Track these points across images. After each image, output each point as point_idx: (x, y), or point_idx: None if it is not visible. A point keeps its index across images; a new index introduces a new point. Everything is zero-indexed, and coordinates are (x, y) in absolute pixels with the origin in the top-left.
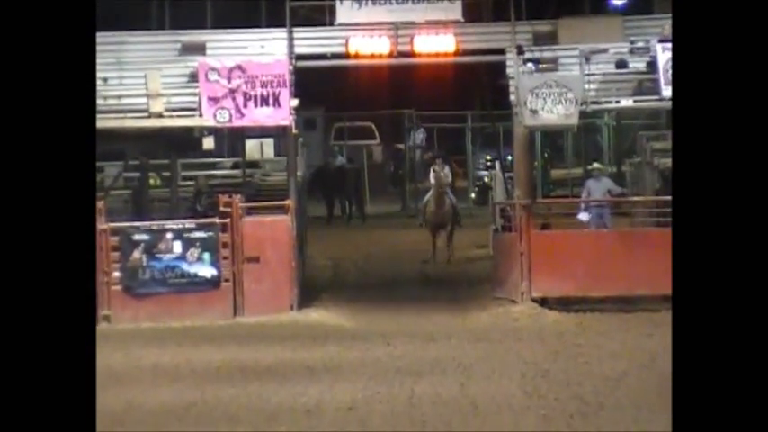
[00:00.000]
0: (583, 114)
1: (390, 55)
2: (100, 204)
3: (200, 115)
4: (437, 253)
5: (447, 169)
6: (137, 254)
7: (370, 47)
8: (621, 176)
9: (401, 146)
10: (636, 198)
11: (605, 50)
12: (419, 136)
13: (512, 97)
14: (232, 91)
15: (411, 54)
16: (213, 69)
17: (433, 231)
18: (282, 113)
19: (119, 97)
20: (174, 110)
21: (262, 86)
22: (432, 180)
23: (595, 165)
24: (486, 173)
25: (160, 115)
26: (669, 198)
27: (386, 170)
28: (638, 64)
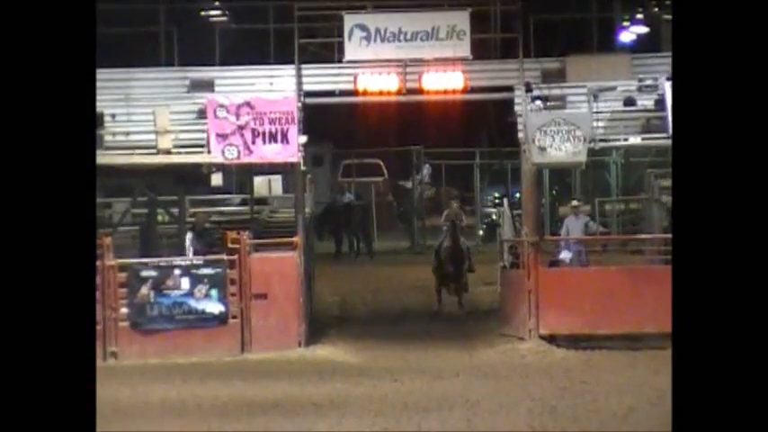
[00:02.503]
0: (591, 152)
1: (399, 92)
2: (107, 240)
3: (209, 152)
4: (443, 303)
5: (461, 213)
6: (144, 290)
7: (379, 84)
8: (631, 213)
9: (407, 183)
10: (643, 236)
11: (613, 88)
12: (424, 172)
13: (520, 134)
14: (240, 127)
15: (419, 91)
16: (222, 106)
17: (443, 279)
18: (291, 150)
19: (127, 133)
20: (182, 146)
21: (270, 123)
22: (444, 226)
23: (573, 203)
24: (494, 210)
25: (168, 152)
26: None
27: (393, 207)
28: (646, 102)
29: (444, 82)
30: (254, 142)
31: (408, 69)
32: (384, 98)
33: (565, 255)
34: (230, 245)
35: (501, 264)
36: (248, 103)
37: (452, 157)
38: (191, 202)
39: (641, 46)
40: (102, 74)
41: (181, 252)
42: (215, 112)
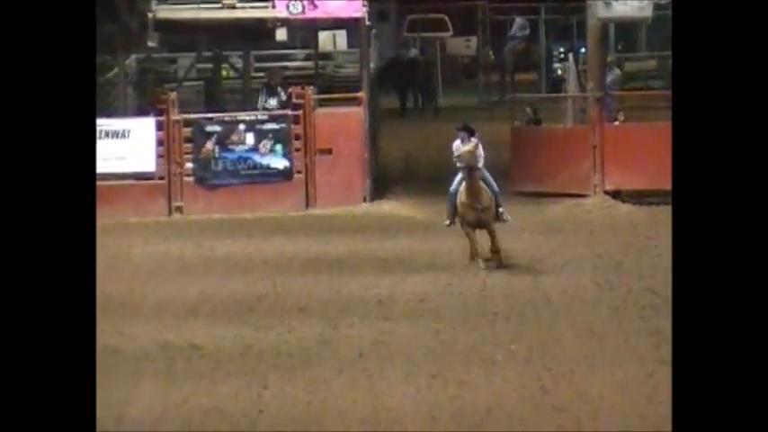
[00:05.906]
0: (657, 6)
1: None
2: (172, 95)
3: (274, 6)
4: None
5: (479, 146)
6: (209, 145)
7: None
8: None
9: (473, 38)
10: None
11: None
12: (515, 26)
13: None
14: None
15: None
16: None
17: (470, 230)
18: (355, 5)
19: None
20: (247, 0)
21: None
22: (456, 161)
23: (609, 58)
24: (559, 65)
25: (233, 6)
26: None
27: (459, 62)
28: None
29: None
30: None
31: None
32: None
33: None
34: (295, 100)
35: (564, 121)
36: None
37: (517, 12)
38: (255, 57)
39: None
40: None
41: (245, 108)
42: None
